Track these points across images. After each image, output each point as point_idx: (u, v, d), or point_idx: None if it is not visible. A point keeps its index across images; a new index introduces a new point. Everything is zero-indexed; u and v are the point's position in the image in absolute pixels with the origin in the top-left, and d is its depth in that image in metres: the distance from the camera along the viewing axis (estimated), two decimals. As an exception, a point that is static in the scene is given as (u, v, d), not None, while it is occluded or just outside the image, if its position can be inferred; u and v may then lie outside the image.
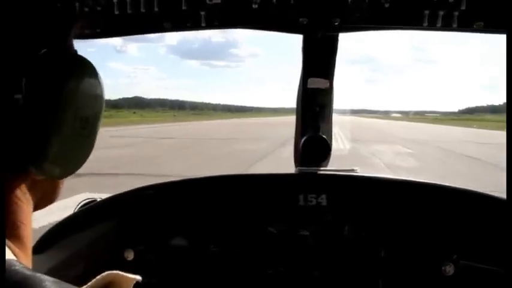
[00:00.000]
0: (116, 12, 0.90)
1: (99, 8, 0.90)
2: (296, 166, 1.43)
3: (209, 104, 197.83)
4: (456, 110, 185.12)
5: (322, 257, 1.27)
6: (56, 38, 0.61)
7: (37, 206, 0.62)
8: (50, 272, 1.03)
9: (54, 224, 1.25)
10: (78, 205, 1.33)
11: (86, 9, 0.88)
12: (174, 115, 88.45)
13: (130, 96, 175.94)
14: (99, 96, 0.62)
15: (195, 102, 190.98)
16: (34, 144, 0.56)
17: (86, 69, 0.61)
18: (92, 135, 0.63)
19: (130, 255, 1.28)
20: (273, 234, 1.28)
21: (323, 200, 1.27)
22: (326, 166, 1.41)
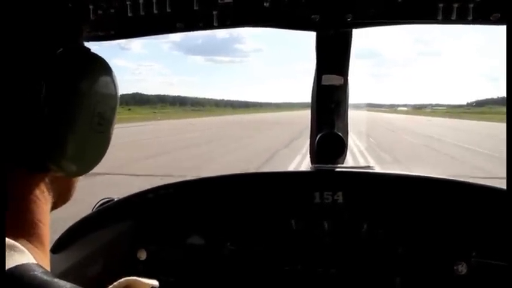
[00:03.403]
0: (130, 14, 0.90)
1: (112, 11, 0.90)
2: (312, 163, 1.41)
3: (211, 99, 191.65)
4: (464, 102, 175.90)
5: (338, 255, 1.26)
6: (68, 37, 0.63)
7: (54, 206, 0.63)
8: (68, 272, 1.14)
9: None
10: (96, 205, 1.34)
11: (100, 11, 0.88)
12: (154, 112, 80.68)
13: (130, 92, 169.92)
14: (114, 91, 0.64)
15: (197, 98, 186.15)
16: (53, 141, 0.57)
17: (100, 66, 0.62)
18: (109, 131, 0.64)
19: (143, 255, 1.28)
20: (289, 231, 1.27)
21: (339, 197, 1.25)
22: (342, 163, 1.39)
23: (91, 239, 1.27)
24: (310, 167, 1.36)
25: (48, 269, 0.53)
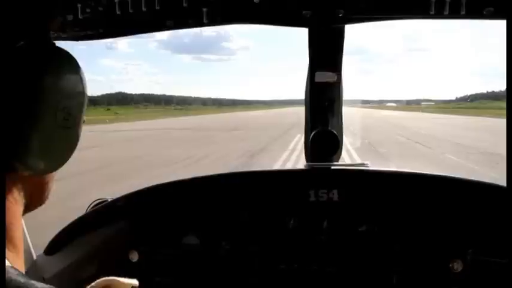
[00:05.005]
0: (118, 12, 0.88)
1: (100, 9, 0.88)
2: (306, 161, 1.41)
3: (198, 98, 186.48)
4: (453, 98, 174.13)
5: (335, 253, 1.27)
6: (33, 31, 0.62)
7: (27, 207, 0.62)
8: (62, 274, 1.14)
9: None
10: (89, 205, 1.33)
11: (88, 10, 0.87)
12: (116, 113, 75.40)
13: (113, 92, 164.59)
14: (81, 87, 0.62)
15: (183, 97, 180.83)
16: (16, 138, 0.56)
17: (65, 60, 0.61)
18: (75, 126, 0.62)
19: (134, 257, 1.27)
20: (284, 230, 1.27)
21: (334, 195, 1.25)
22: (337, 161, 1.39)
23: (84, 241, 1.26)
24: (305, 165, 1.36)
25: (23, 270, 0.52)
